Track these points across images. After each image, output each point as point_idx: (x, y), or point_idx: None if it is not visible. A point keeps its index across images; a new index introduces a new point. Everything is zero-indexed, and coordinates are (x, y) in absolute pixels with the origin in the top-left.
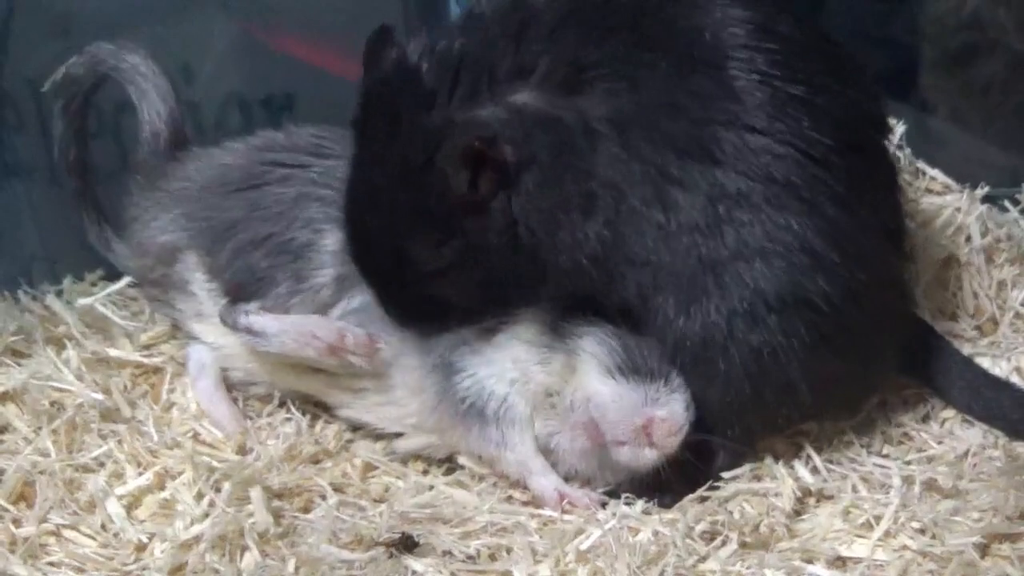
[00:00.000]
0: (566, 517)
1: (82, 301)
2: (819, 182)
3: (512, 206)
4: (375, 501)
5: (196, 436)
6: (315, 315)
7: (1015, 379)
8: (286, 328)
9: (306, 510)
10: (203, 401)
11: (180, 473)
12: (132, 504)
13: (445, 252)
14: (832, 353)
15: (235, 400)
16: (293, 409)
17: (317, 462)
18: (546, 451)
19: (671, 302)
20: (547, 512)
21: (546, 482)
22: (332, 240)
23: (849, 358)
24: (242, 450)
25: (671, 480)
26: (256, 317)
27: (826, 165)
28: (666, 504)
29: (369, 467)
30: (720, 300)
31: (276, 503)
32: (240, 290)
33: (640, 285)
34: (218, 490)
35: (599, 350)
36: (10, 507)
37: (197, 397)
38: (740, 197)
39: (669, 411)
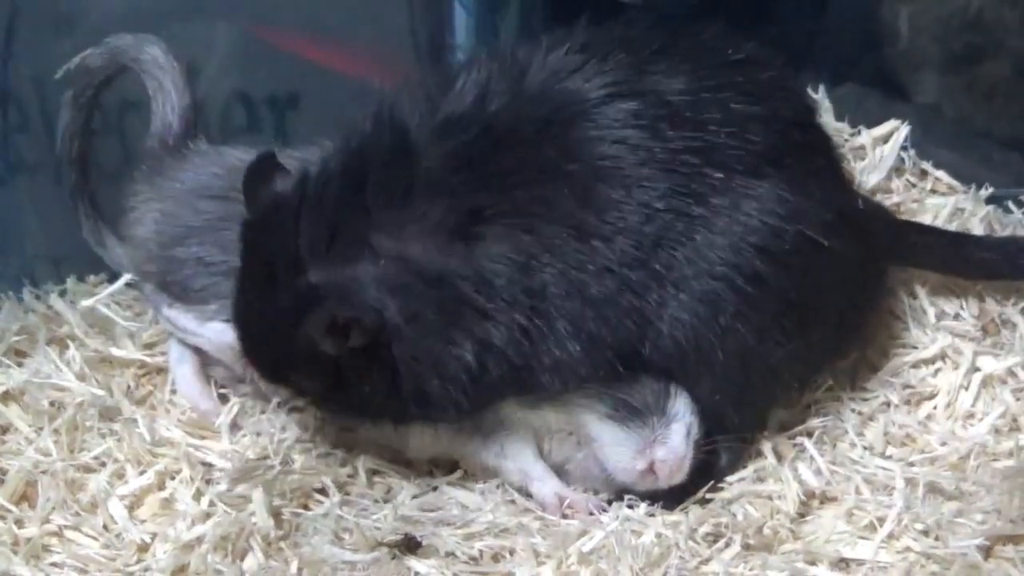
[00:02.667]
0: (568, 520)
1: (85, 302)
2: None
3: (392, 353)
4: (378, 502)
5: (195, 434)
6: None
7: (1017, 380)
8: (204, 332)
9: (309, 510)
10: (182, 386)
11: (179, 472)
12: (134, 504)
13: (320, 383)
14: (807, 324)
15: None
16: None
17: (320, 461)
18: (560, 472)
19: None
20: (550, 516)
21: (547, 487)
22: None
23: (825, 323)
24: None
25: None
26: (177, 313)
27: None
28: (669, 506)
29: (372, 468)
30: (685, 312)
31: (278, 503)
32: (168, 288)
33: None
34: (218, 489)
35: (592, 396)
36: (12, 507)
37: (176, 383)
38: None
39: (668, 449)
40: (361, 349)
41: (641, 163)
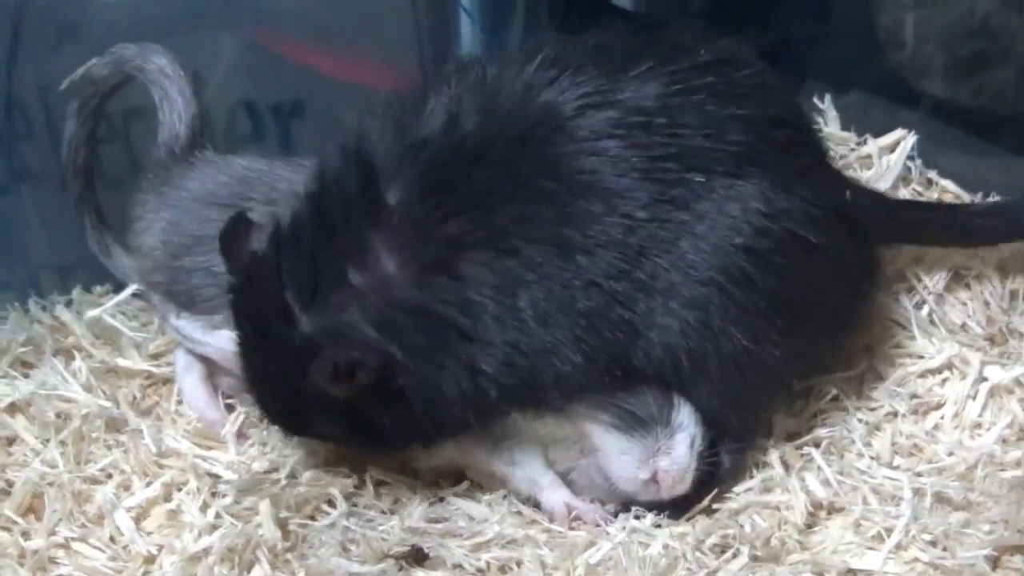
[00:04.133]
0: (575, 531)
1: (91, 313)
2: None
3: (399, 383)
4: (385, 513)
5: (202, 445)
6: None
7: None
8: (211, 340)
9: (315, 521)
10: (188, 396)
11: (185, 483)
12: (140, 516)
13: (341, 426)
14: (801, 322)
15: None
16: None
17: (327, 472)
18: (564, 482)
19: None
20: (557, 526)
21: (556, 496)
22: None
23: (819, 319)
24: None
25: None
26: (184, 322)
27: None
28: (675, 515)
29: (379, 479)
30: (674, 319)
31: (284, 514)
32: (176, 297)
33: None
34: (225, 501)
35: (596, 406)
36: (19, 519)
37: (183, 392)
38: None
39: (671, 460)
40: (370, 386)
41: (620, 174)
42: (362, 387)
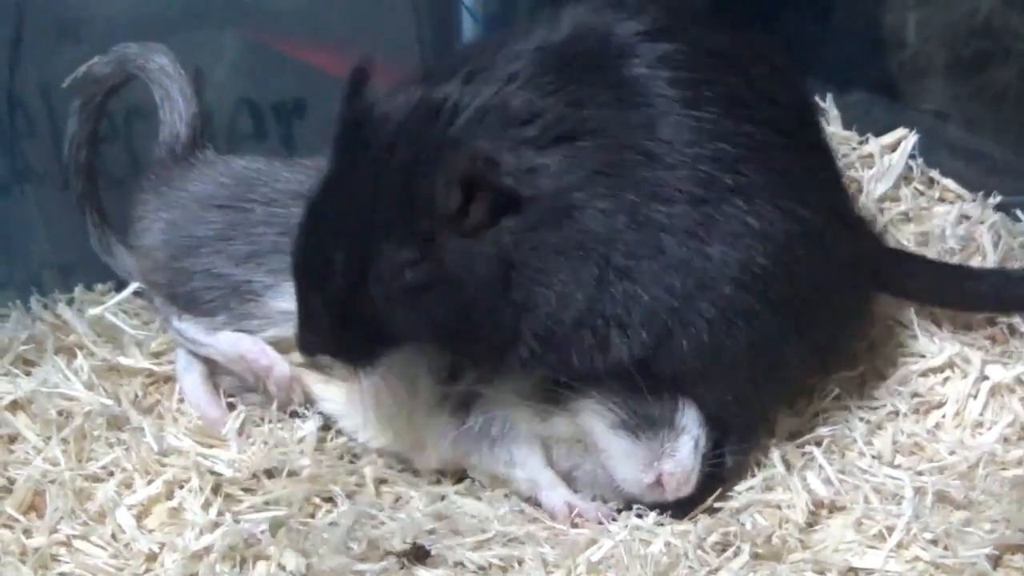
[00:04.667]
0: (577, 529)
1: (92, 311)
2: (771, 184)
3: (503, 241)
4: (386, 511)
5: (204, 443)
6: (249, 337)
7: None
8: (215, 343)
9: (317, 519)
10: (189, 395)
11: (187, 481)
12: (142, 513)
13: (413, 273)
14: (807, 324)
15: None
16: (301, 421)
17: (329, 470)
18: (568, 479)
19: (662, 337)
20: (559, 524)
21: (556, 495)
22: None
23: (824, 323)
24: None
25: None
26: (187, 324)
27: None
28: (678, 515)
29: (380, 477)
30: (709, 315)
31: (286, 512)
32: (176, 299)
33: (634, 344)
34: (226, 499)
35: (600, 407)
36: (20, 517)
37: (184, 391)
38: (710, 222)
39: (676, 462)
40: (477, 226)
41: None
42: (471, 227)
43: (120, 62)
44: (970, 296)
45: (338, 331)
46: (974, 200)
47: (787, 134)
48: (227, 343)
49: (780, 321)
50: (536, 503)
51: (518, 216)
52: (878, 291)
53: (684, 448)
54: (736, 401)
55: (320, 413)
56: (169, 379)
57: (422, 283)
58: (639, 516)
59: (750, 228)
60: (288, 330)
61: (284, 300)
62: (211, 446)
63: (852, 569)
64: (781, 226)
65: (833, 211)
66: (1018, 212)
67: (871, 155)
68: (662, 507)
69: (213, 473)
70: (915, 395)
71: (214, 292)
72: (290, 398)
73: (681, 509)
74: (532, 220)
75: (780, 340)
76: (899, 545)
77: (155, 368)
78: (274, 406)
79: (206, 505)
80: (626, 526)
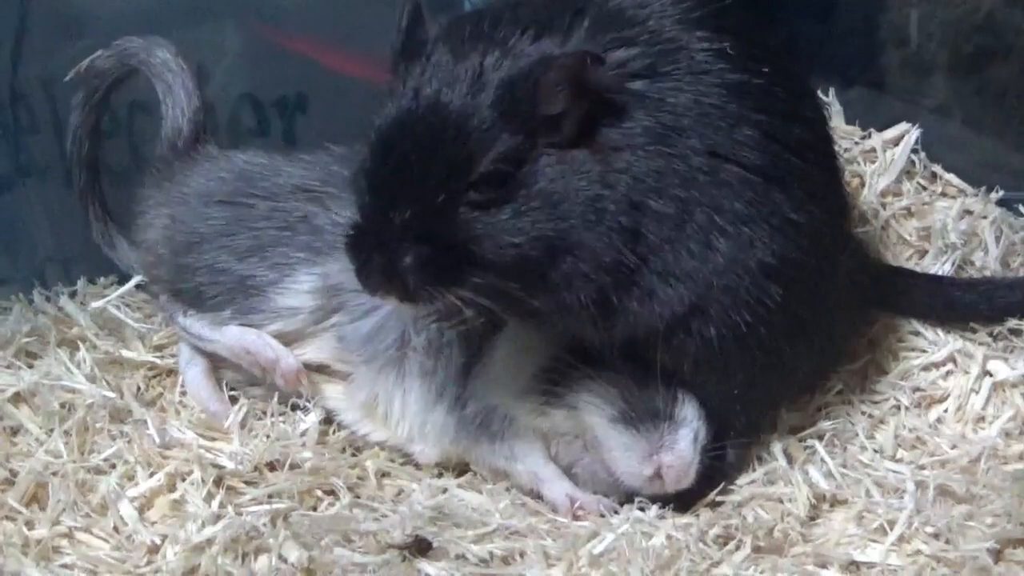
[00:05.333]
0: (579, 522)
1: (95, 304)
2: (811, 181)
3: (602, 154)
4: (388, 503)
5: (206, 436)
6: (254, 331)
7: None
8: (221, 338)
9: (319, 512)
10: (192, 388)
11: (189, 473)
12: (144, 506)
13: (510, 181)
14: (815, 324)
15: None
16: (303, 414)
17: (330, 463)
18: (568, 474)
19: (686, 316)
20: (561, 517)
21: (558, 488)
22: (306, 276)
23: (830, 323)
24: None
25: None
26: (192, 320)
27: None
28: (680, 509)
29: (382, 470)
30: (730, 306)
31: (288, 504)
32: (181, 295)
33: (661, 304)
34: (228, 491)
35: (600, 400)
36: (23, 509)
37: (186, 385)
38: (759, 197)
39: (675, 455)
40: (577, 131)
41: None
42: (571, 132)
43: (122, 56)
44: (962, 309)
45: (416, 257)
46: (976, 195)
47: (817, 144)
48: (232, 337)
49: (797, 318)
50: (538, 497)
51: (614, 133)
52: (873, 306)
53: (683, 440)
54: (740, 399)
55: (322, 407)
56: (171, 372)
57: (520, 192)
58: (641, 509)
59: (791, 219)
60: (293, 324)
61: (289, 296)
62: (213, 439)
63: (853, 562)
64: (816, 224)
65: (842, 221)
66: (1020, 207)
67: (874, 150)
68: (664, 501)
69: (215, 466)
70: (917, 389)
71: (218, 287)
72: (296, 390)
73: (683, 502)
74: (627, 141)
75: (793, 337)
76: (900, 539)
77: (157, 361)
78: (275, 399)
79: (208, 498)
80: (628, 519)
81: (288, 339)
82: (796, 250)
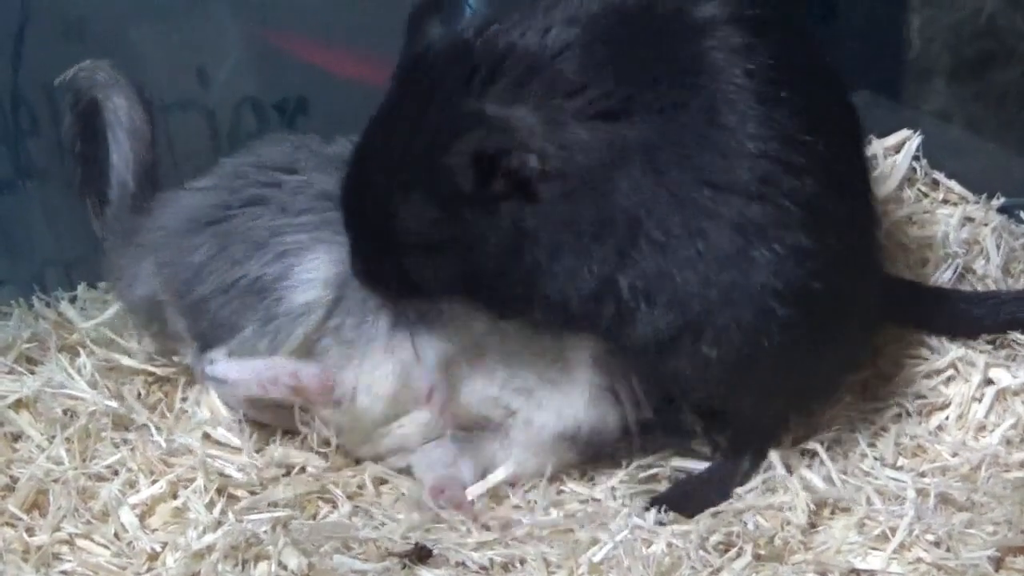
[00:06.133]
0: (579, 529)
1: (87, 324)
2: (823, 204)
3: (523, 215)
4: (387, 511)
5: (208, 439)
6: (276, 357)
7: None
8: (247, 376)
9: (318, 519)
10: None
11: (192, 480)
12: (145, 513)
13: (434, 233)
14: (843, 342)
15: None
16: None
17: (330, 470)
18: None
19: (699, 331)
20: (560, 521)
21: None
22: (314, 264)
23: (856, 342)
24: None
25: (695, 491)
26: (220, 366)
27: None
28: (687, 514)
29: (381, 477)
30: (749, 320)
31: (287, 511)
32: (204, 336)
33: (659, 322)
34: (229, 499)
35: None
36: (23, 515)
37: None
38: (759, 222)
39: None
40: (493, 201)
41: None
42: (482, 194)
43: (87, 83)
44: (967, 322)
45: (375, 263)
46: (978, 202)
47: (844, 153)
48: (257, 372)
49: (811, 337)
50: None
51: (541, 190)
52: (881, 318)
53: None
54: (754, 408)
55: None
56: (172, 379)
57: (440, 243)
58: (647, 509)
59: (800, 241)
60: (310, 324)
61: (300, 290)
62: (217, 445)
63: (854, 570)
64: (830, 243)
65: (869, 236)
66: (1022, 214)
67: (875, 156)
68: (666, 506)
69: (221, 475)
70: (918, 397)
71: (233, 305)
72: (330, 397)
73: (689, 510)
74: (556, 195)
75: (808, 355)
76: (901, 546)
77: (157, 370)
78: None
79: (210, 505)
80: (627, 526)
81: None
82: (806, 273)
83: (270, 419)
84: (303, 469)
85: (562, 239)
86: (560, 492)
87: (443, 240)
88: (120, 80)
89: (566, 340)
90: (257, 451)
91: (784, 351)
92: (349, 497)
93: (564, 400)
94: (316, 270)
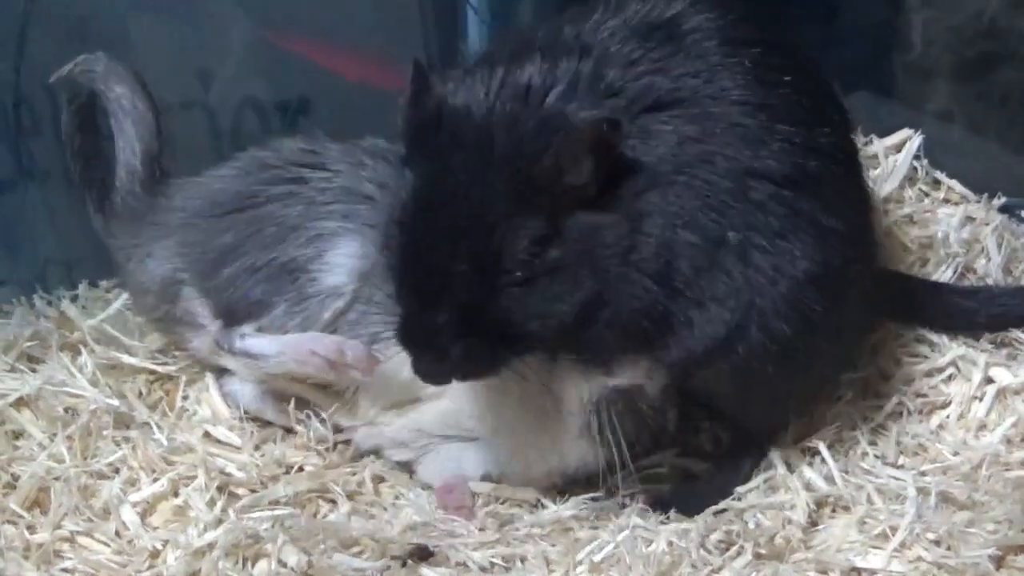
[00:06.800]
0: (579, 527)
1: (90, 322)
2: (829, 189)
3: (629, 205)
4: (387, 509)
5: (209, 437)
6: (312, 332)
7: None
8: (283, 348)
9: (318, 517)
10: (251, 404)
11: (193, 479)
12: (146, 511)
13: (543, 255)
14: (845, 334)
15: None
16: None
17: (330, 469)
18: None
19: (709, 321)
20: (562, 516)
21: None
22: (344, 251)
23: (854, 336)
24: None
25: (696, 491)
26: (252, 340)
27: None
28: (689, 513)
29: (380, 476)
30: (763, 311)
31: (288, 509)
32: (233, 313)
33: (703, 327)
34: (230, 497)
35: None
36: (24, 513)
37: (243, 401)
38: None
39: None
40: (607, 192)
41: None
42: (601, 194)
43: (86, 76)
44: (961, 315)
45: (464, 348)
46: (978, 202)
47: (842, 147)
48: (294, 345)
49: (831, 325)
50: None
51: (636, 180)
52: (876, 311)
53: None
54: (766, 406)
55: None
56: (173, 377)
57: (555, 263)
58: (646, 509)
59: (827, 228)
60: (339, 307)
61: (331, 273)
62: (218, 443)
63: (855, 569)
64: (850, 230)
65: (868, 225)
66: (1022, 213)
67: (876, 156)
68: (675, 506)
69: (223, 473)
70: (919, 395)
71: (262, 285)
72: (371, 370)
73: (690, 511)
74: (650, 183)
75: (825, 345)
76: (902, 545)
77: (158, 368)
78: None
79: (210, 503)
80: (628, 525)
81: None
82: (835, 256)
83: (272, 416)
84: (302, 468)
85: (672, 221)
86: (561, 493)
87: (557, 260)
88: (119, 69)
89: (555, 382)
90: (257, 449)
91: (812, 339)
92: (349, 496)
93: (551, 441)
94: (346, 256)
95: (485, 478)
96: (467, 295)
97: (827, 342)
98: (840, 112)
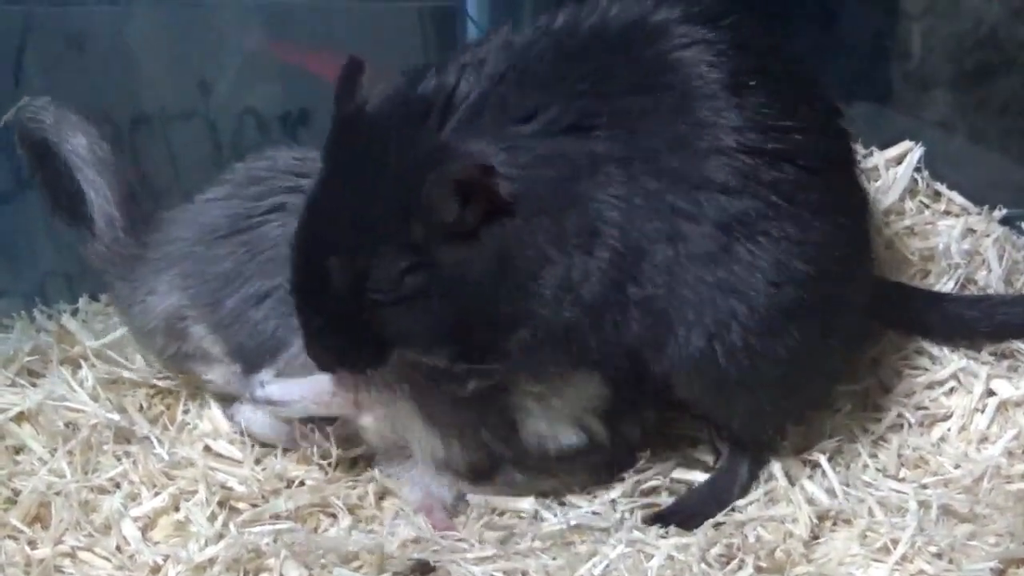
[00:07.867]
0: (580, 541)
1: (93, 344)
2: (808, 192)
3: (500, 238)
4: (388, 524)
5: (210, 451)
6: (321, 375)
7: None
8: (305, 393)
9: (319, 532)
10: (260, 430)
11: (194, 493)
12: (147, 526)
13: (410, 281)
14: (836, 342)
15: None
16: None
17: (330, 484)
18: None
19: (686, 333)
20: (561, 534)
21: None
22: None
23: (849, 345)
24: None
25: (694, 504)
26: (273, 387)
27: (811, 176)
28: (688, 527)
29: (382, 491)
30: (743, 318)
31: (289, 524)
32: (248, 357)
33: (646, 325)
34: (231, 511)
35: None
36: (25, 528)
37: (252, 427)
38: (745, 218)
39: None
40: (474, 228)
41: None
42: (468, 230)
43: (34, 123)
44: (962, 325)
45: (341, 341)
46: (979, 213)
47: (826, 139)
48: (312, 388)
49: (807, 337)
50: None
51: (515, 217)
52: (875, 321)
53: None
54: (754, 417)
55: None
56: (174, 391)
57: (420, 290)
58: (639, 530)
59: (788, 232)
60: None
61: None
62: (219, 458)
63: None
64: (819, 234)
65: (861, 230)
66: (1023, 225)
67: (876, 168)
68: (672, 520)
69: (224, 487)
70: (920, 408)
71: (273, 318)
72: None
73: (690, 524)
74: (532, 213)
75: (806, 357)
76: (903, 558)
77: (159, 382)
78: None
79: (211, 517)
80: (628, 539)
81: None
82: (805, 261)
83: (287, 444)
84: (303, 482)
85: (546, 253)
86: (561, 504)
87: (422, 287)
88: (69, 117)
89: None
90: (258, 463)
91: (779, 353)
92: (350, 510)
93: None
94: None
95: (456, 495)
96: (339, 304)
97: (811, 353)
98: (820, 110)
